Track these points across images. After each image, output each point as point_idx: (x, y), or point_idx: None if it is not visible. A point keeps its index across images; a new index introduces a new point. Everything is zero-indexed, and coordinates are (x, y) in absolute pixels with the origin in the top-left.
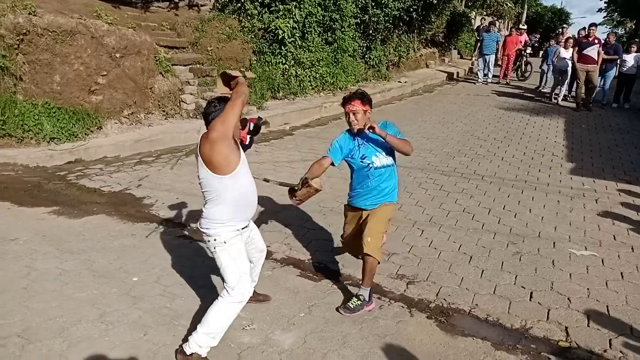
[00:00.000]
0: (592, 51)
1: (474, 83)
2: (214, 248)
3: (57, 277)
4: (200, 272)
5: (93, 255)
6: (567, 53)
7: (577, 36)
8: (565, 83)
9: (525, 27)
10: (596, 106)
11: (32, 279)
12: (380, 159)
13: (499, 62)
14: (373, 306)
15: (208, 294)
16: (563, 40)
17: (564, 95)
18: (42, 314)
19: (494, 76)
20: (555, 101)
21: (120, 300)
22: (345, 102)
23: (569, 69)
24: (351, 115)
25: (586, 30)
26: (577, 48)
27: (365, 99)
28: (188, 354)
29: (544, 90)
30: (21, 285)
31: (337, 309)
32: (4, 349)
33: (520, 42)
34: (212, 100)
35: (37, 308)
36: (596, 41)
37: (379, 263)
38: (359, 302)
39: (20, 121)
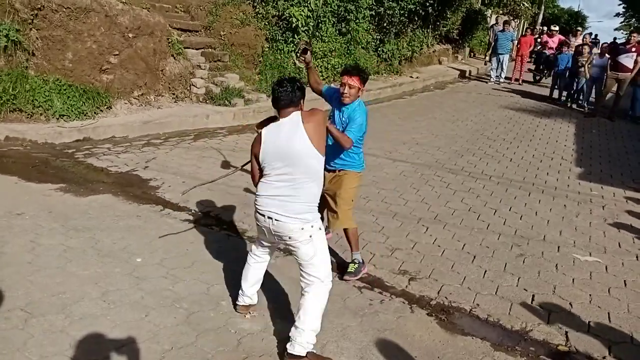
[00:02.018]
0: (628, 59)
1: (486, 82)
2: (310, 236)
3: (62, 254)
4: (203, 257)
5: (98, 234)
6: (600, 60)
7: (580, 40)
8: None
9: (557, 28)
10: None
11: (36, 254)
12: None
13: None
14: (366, 269)
15: (211, 279)
16: (574, 45)
17: (579, 101)
18: (46, 289)
19: (506, 77)
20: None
21: (123, 280)
22: (348, 73)
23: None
24: (347, 87)
25: (591, 36)
26: (612, 54)
27: (364, 78)
28: (304, 354)
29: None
30: (26, 260)
31: (341, 278)
32: (8, 321)
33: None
34: (282, 80)
35: (41, 283)
36: (634, 49)
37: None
38: (356, 265)
39: (30, 97)
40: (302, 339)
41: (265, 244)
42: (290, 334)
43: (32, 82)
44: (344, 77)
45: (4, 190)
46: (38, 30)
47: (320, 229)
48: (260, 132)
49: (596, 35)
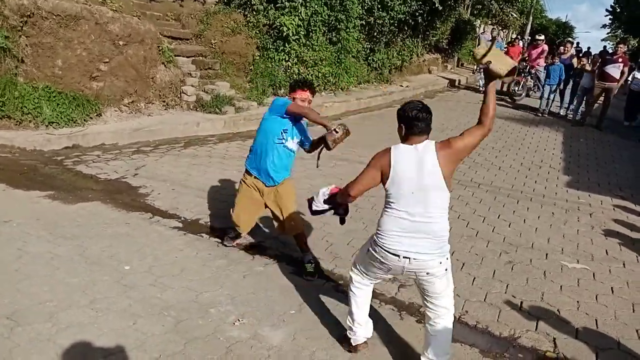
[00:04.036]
0: (614, 69)
1: (477, 90)
2: (446, 269)
3: (49, 262)
4: (192, 264)
5: (86, 242)
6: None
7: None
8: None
9: (542, 37)
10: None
11: (24, 262)
12: (294, 144)
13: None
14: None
15: (200, 287)
16: (567, 56)
17: (565, 109)
18: (33, 297)
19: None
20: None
21: (111, 288)
22: (304, 88)
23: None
24: (306, 103)
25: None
26: (598, 64)
27: (315, 91)
28: None
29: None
30: (13, 268)
31: (304, 278)
32: None
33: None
34: (423, 108)
35: (28, 291)
36: (620, 60)
37: None
38: (313, 264)
39: (19, 103)
40: None
41: (374, 277)
42: None
43: (21, 89)
44: (304, 92)
45: None
46: (27, 37)
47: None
48: (391, 152)
49: (578, 43)
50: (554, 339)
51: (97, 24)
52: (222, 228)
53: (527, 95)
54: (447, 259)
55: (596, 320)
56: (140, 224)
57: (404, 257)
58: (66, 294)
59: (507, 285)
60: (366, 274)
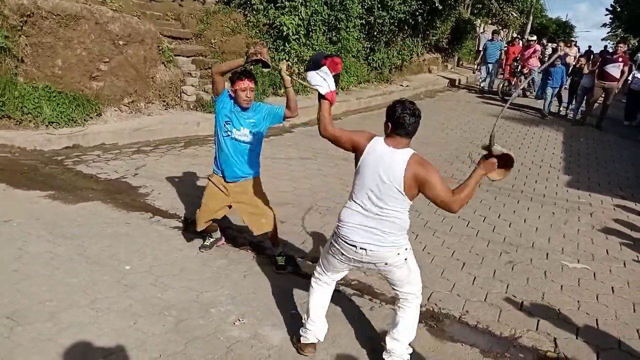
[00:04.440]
0: (614, 68)
1: (477, 89)
2: (405, 259)
3: (49, 262)
4: (192, 264)
5: (86, 242)
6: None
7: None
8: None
9: (534, 38)
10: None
11: (24, 261)
12: (246, 135)
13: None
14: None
15: (200, 287)
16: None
17: (564, 109)
18: (33, 297)
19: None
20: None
21: (112, 287)
22: (242, 78)
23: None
24: (248, 91)
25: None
26: (598, 63)
27: (255, 79)
28: None
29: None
30: (12, 268)
31: (275, 271)
32: None
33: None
34: (414, 112)
35: (28, 291)
36: (620, 59)
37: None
38: (284, 258)
39: (19, 103)
40: (402, 350)
41: (336, 271)
42: (388, 347)
43: (21, 88)
44: (242, 82)
45: None
46: (27, 37)
47: (409, 249)
48: (374, 141)
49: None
50: (555, 338)
51: (97, 23)
52: (221, 228)
53: (524, 95)
54: (405, 249)
55: (597, 320)
56: (140, 224)
57: (360, 249)
58: (66, 294)
59: (507, 285)
60: (328, 268)
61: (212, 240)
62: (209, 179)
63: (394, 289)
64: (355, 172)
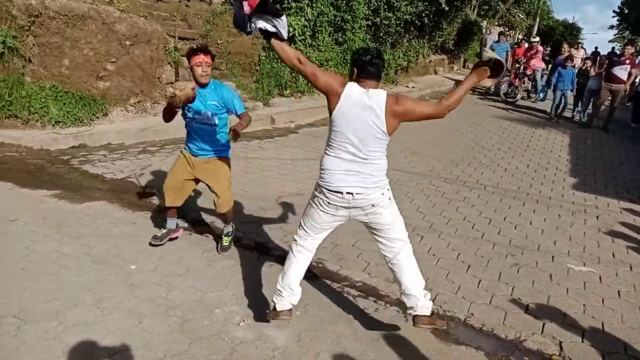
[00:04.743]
0: (621, 71)
1: (483, 91)
2: (389, 199)
3: (56, 260)
4: (197, 264)
5: (92, 241)
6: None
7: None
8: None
9: (537, 39)
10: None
11: (31, 260)
12: (209, 119)
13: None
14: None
15: (205, 287)
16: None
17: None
18: (39, 295)
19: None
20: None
21: (117, 287)
22: (197, 52)
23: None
24: (204, 66)
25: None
26: (605, 65)
27: (212, 54)
28: (430, 313)
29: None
30: (20, 266)
31: (218, 252)
32: (1, 327)
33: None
34: (377, 54)
35: (35, 290)
36: (627, 61)
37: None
38: (230, 237)
39: (26, 103)
40: (422, 301)
41: (320, 228)
42: (407, 303)
43: (28, 88)
44: (198, 56)
45: None
46: (35, 37)
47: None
48: (347, 86)
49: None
50: (560, 342)
51: (104, 23)
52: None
53: (528, 97)
54: (387, 189)
55: (603, 323)
56: (146, 224)
57: (347, 193)
58: (72, 293)
59: (512, 288)
60: (311, 226)
61: (164, 232)
62: (180, 153)
63: (382, 241)
64: (333, 119)
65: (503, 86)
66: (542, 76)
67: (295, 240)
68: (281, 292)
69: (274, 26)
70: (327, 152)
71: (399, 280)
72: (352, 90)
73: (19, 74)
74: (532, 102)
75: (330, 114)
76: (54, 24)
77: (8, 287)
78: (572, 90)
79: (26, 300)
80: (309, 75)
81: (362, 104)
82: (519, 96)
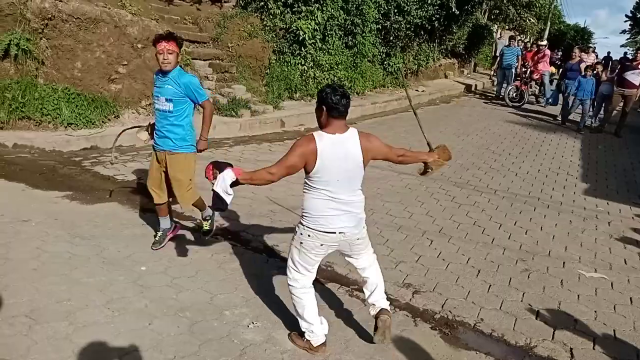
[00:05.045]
0: (634, 75)
1: (494, 95)
2: (364, 227)
3: (67, 261)
4: (207, 266)
5: (103, 242)
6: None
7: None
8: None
9: (545, 43)
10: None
11: (42, 261)
12: (163, 104)
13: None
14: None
15: (215, 289)
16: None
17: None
18: (50, 296)
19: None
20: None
21: (127, 288)
22: (162, 39)
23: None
24: (165, 54)
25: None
26: (617, 70)
27: (178, 41)
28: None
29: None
30: (31, 267)
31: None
32: (12, 327)
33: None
34: (344, 94)
35: (46, 290)
36: None
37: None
38: (210, 220)
39: (39, 105)
40: (383, 294)
41: (314, 264)
42: (373, 302)
43: (41, 90)
44: (160, 44)
45: (11, 197)
46: (48, 40)
47: None
48: (315, 142)
49: (594, 48)
50: (571, 349)
51: (116, 27)
52: (236, 231)
53: (537, 102)
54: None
55: (614, 330)
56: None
57: (339, 233)
58: (83, 294)
59: (523, 294)
60: (306, 267)
61: (160, 234)
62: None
63: (356, 260)
64: (313, 174)
65: (509, 90)
66: (551, 81)
67: (294, 285)
68: (312, 329)
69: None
70: (311, 195)
71: (369, 279)
72: (325, 145)
73: (32, 76)
74: (542, 106)
75: (308, 173)
76: (67, 27)
77: (20, 287)
78: (591, 100)
79: (37, 300)
80: (285, 174)
81: (341, 155)
82: (524, 100)
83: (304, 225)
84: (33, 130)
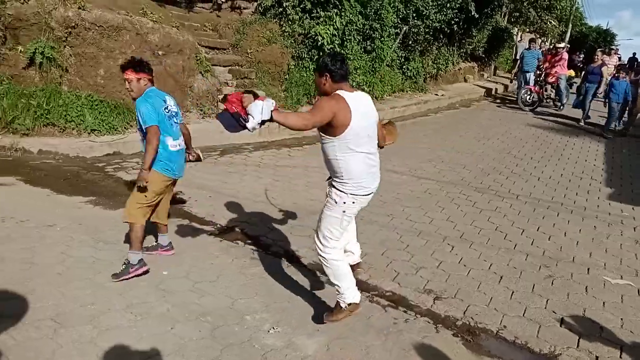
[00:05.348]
0: None
1: (514, 98)
2: None
3: (91, 266)
4: (228, 271)
5: (126, 247)
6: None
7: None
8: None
9: (563, 45)
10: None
11: (67, 265)
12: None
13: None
14: (143, 270)
15: (236, 293)
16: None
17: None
18: (75, 300)
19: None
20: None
21: (150, 292)
22: (122, 69)
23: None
24: (126, 83)
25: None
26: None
27: (137, 68)
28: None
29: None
30: (56, 271)
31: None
32: (39, 330)
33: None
34: (344, 57)
35: (71, 294)
36: None
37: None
38: (123, 266)
39: (63, 111)
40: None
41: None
42: (352, 249)
43: (65, 97)
44: (124, 73)
45: (37, 202)
46: (72, 48)
47: None
48: (345, 99)
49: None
50: (597, 357)
51: (138, 34)
52: (256, 236)
53: (554, 106)
54: None
55: None
56: (178, 230)
57: (372, 193)
58: (107, 298)
59: (547, 300)
60: (340, 232)
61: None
62: None
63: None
64: (349, 128)
65: (522, 93)
66: (571, 84)
67: (332, 254)
68: (349, 289)
69: (268, 109)
70: (350, 160)
71: (354, 257)
72: (353, 101)
73: (57, 84)
74: (556, 110)
75: (341, 132)
76: (90, 35)
77: (45, 291)
78: (626, 104)
79: (63, 304)
80: (317, 124)
81: (364, 110)
82: (537, 103)
83: (346, 193)
84: (57, 137)
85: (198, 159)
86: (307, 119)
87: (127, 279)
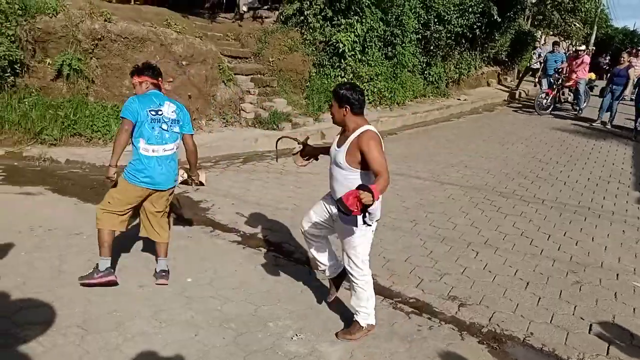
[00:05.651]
0: None
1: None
2: None
3: (117, 273)
4: (251, 278)
5: (151, 254)
6: None
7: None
8: None
9: (583, 48)
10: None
11: None
12: None
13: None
14: (108, 279)
15: (259, 300)
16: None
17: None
18: (101, 307)
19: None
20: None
21: (174, 299)
22: (133, 74)
23: None
24: (137, 86)
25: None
26: None
27: (141, 71)
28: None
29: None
30: None
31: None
32: (66, 337)
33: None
34: (362, 90)
35: (97, 301)
36: None
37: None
38: (91, 270)
39: (90, 122)
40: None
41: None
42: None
43: (91, 108)
44: (132, 78)
45: (64, 211)
46: (98, 59)
47: None
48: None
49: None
50: None
51: (162, 45)
52: (278, 242)
53: (573, 109)
54: None
55: None
56: (201, 237)
57: None
58: (132, 305)
59: (575, 307)
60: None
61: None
62: None
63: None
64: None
65: (539, 97)
66: (592, 87)
67: (367, 278)
68: (374, 312)
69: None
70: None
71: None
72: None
73: (83, 95)
74: (575, 114)
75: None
76: (116, 47)
77: (72, 298)
78: None
79: (89, 311)
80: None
81: None
82: (551, 107)
83: (372, 219)
84: (84, 147)
85: (200, 184)
86: (385, 168)
87: (91, 284)
